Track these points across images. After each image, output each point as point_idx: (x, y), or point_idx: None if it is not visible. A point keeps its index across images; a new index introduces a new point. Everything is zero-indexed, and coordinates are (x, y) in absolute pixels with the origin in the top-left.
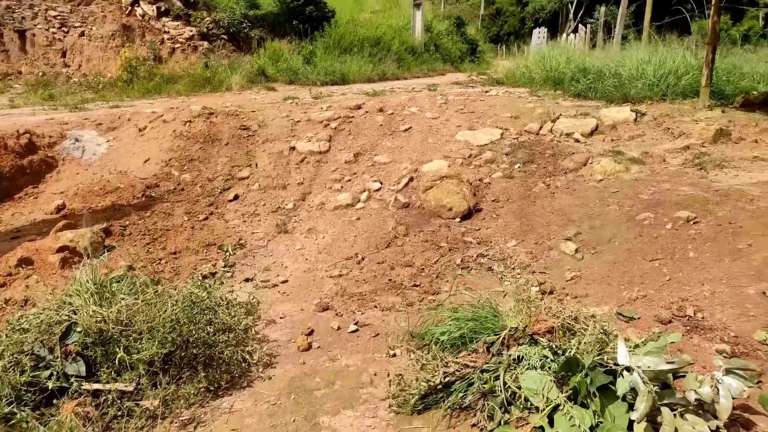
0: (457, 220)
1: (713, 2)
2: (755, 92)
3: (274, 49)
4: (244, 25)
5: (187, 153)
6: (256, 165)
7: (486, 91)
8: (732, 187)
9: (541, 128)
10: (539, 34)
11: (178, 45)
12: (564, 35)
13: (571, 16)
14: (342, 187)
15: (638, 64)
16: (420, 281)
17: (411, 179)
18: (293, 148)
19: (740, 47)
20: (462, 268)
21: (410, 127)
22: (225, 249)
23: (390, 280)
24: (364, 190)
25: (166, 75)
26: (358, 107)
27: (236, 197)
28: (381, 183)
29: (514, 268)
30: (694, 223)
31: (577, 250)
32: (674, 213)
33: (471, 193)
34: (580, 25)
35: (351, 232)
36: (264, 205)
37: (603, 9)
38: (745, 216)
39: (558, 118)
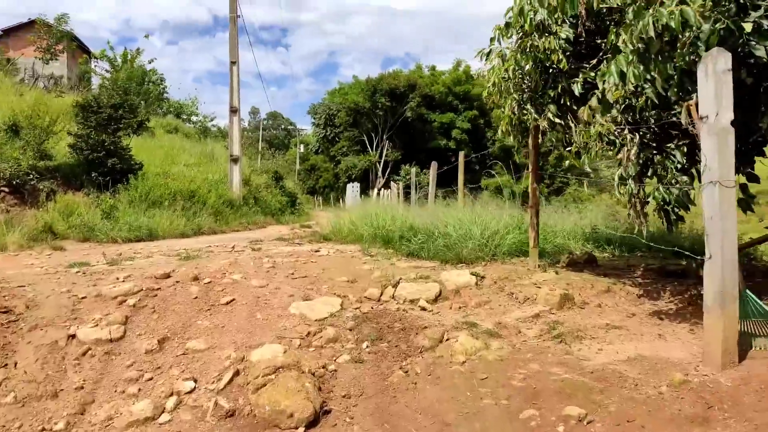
0: (301, 429)
1: (530, 170)
2: (578, 252)
3: (66, 202)
4: (31, 176)
5: None
6: (16, 364)
7: (316, 250)
8: (606, 367)
9: (382, 294)
10: (353, 188)
11: None
12: (375, 190)
13: (380, 173)
14: (140, 390)
15: (466, 225)
16: None
17: (237, 373)
18: (73, 337)
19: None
20: None
21: (233, 300)
22: None
23: None
24: (172, 393)
25: None
26: (167, 276)
27: None
28: (195, 381)
29: None
30: (588, 423)
31: None
32: (561, 409)
33: (315, 389)
34: (392, 182)
35: None
36: (20, 427)
37: (413, 169)
38: (640, 411)
39: (399, 282)
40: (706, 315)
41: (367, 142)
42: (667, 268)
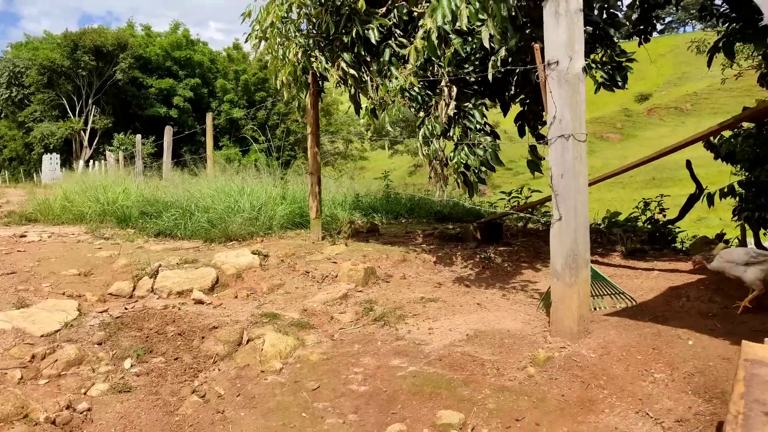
0: None
1: (309, 132)
2: (360, 222)
3: None
4: None
5: None
6: None
7: (21, 235)
8: (451, 351)
9: (135, 288)
10: (52, 160)
11: None
12: (82, 162)
13: (86, 143)
14: None
15: (231, 196)
16: None
17: None
18: None
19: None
20: None
21: None
22: None
23: None
24: None
25: None
26: None
27: None
28: None
29: None
30: (473, 430)
31: None
32: (433, 416)
33: None
34: (108, 153)
35: None
36: None
37: (138, 137)
38: (523, 404)
39: (159, 270)
40: (555, 281)
41: (68, 106)
42: (446, 232)
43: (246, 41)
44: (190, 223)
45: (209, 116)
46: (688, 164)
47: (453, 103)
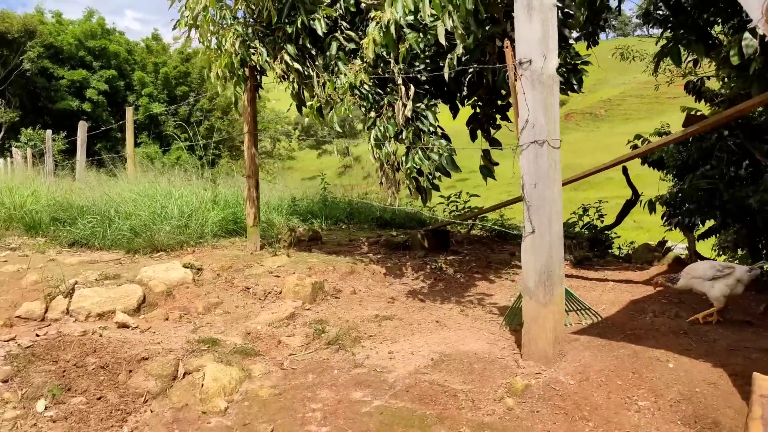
0: None
1: (246, 131)
2: (301, 229)
3: None
4: None
5: None
6: None
7: None
8: (418, 380)
9: (47, 310)
10: None
11: None
12: None
13: None
14: None
15: (157, 201)
16: None
17: None
18: None
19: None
20: None
21: None
22: None
23: None
24: None
25: None
26: None
27: None
28: None
29: None
30: None
31: None
32: None
33: None
34: (14, 149)
35: None
36: None
37: (48, 132)
38: None
39: (74, 288)
40: (527, 300)
41: None
42: (393, 240)
43: (174, 28)
44: (110, 232)
45: (129, 111)
46: (625, 170)
47: (410, 104)
